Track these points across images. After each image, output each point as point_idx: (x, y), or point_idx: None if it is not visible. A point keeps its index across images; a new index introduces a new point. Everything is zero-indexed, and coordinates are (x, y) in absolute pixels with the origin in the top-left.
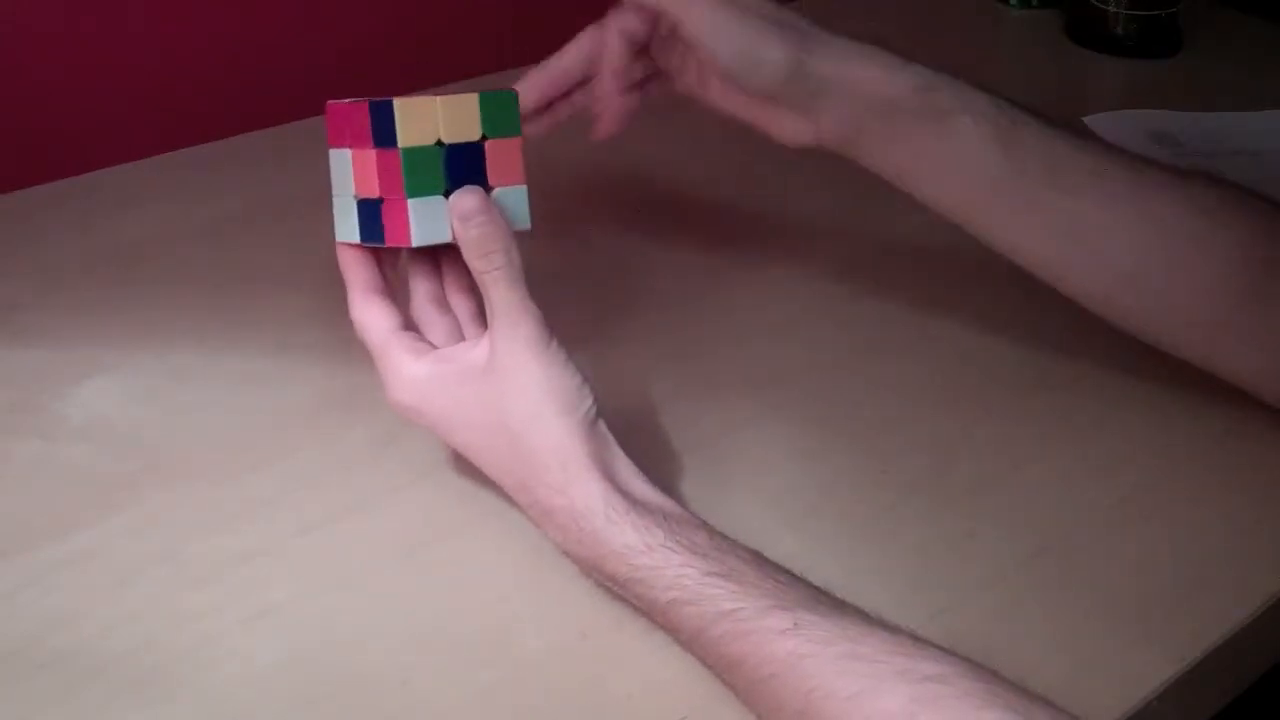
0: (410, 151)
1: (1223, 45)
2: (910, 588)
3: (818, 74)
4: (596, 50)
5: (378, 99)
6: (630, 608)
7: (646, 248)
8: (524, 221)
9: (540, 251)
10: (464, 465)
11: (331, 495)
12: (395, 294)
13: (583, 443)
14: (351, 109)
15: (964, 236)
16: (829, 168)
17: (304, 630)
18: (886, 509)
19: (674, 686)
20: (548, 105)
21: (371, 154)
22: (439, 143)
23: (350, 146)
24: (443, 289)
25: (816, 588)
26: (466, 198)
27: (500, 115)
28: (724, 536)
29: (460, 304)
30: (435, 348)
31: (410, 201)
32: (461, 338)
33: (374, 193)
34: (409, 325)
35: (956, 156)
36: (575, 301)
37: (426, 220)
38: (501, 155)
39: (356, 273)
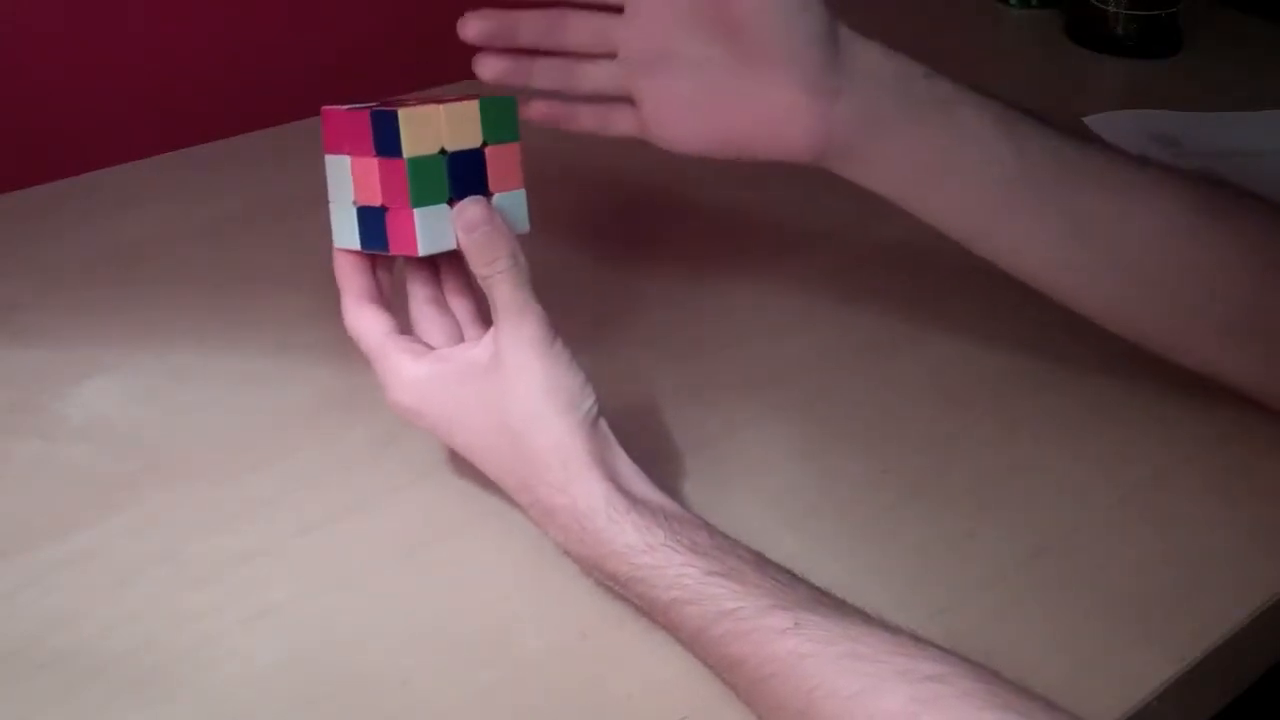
0: (415, 161)
1: (1223, 45)
2: (910, 588)
3: (846, 39)
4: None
5: (379, 108)
6: (631, 607)
7: (646, 248)
8: (523, 225)
9: (539, 253)
10: (464, 465)
11: (331, 495)
12: (390, 301)
13: (584, 442)
14: (351, 117)
15: None
16: None
17: (304, 630)
18: (886, 509)
19: (674, 686)
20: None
21: (373, 162)
22: (442, 151)
23: (350, 154)
24: (441, 291)
25: (817, 588)
26: (471, 209)
27: (500, 121)
28: (725, 536)
29: (459, 305)
30: (433, 349)
31: (416, 211)
32: (461, 339)
33: (376, 200)
34: (404, 330)
35: (966, 153)
36: (574, 302)
37: (432, 229)
38: (501, 160)
39: (351, 280)
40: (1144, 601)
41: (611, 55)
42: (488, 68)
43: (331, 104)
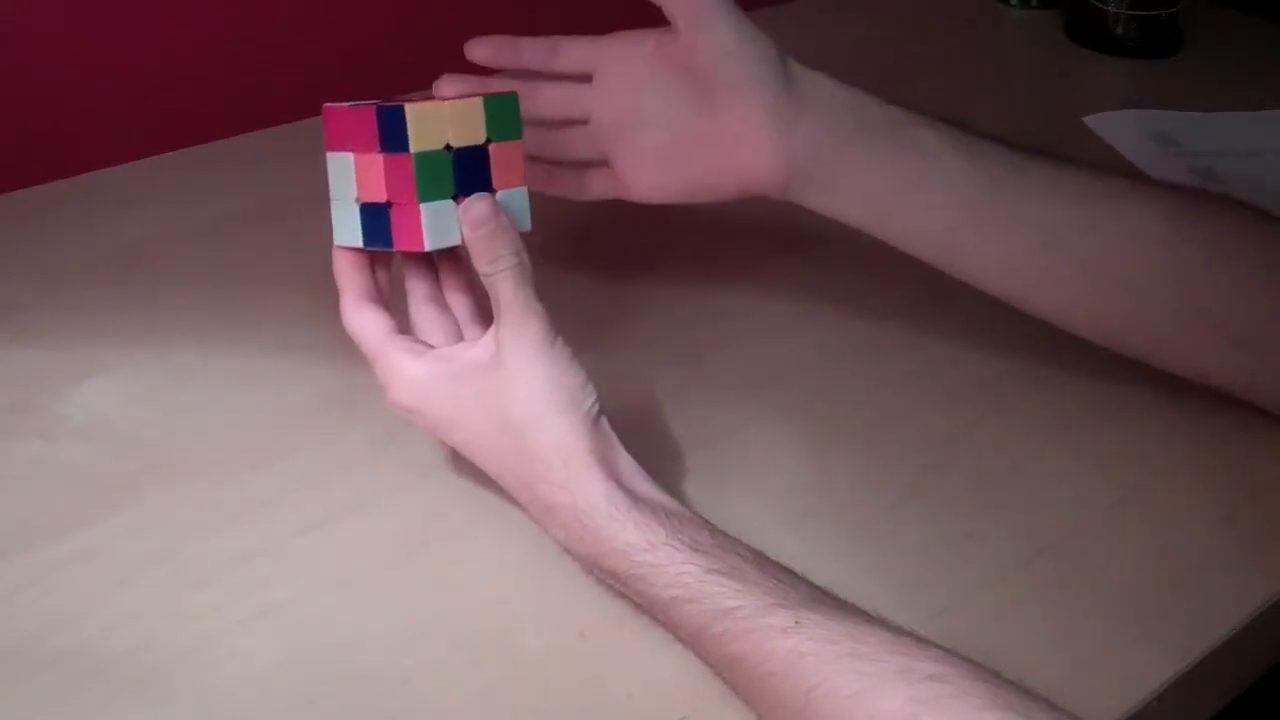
0: (422, 156)
1: (1223, 45)
2: (910, 588)
3: (798, 73)
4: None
5: (384, 103)
6: (630, 606)
7: (646, 248)
8: (524, 223)
9: (539, 252)
10: (463, 465)
11: (331, 495)
12: (388, 301)
13: (585, 440)
14: (355, 113)
15: None
16: None
17: (304, 630)
18: (886, 509)
19: (674, 686)
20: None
21: (378, 158)
22: (448, 147)
23: (352, 150)
24: (439, 290)
25: (818, 587)
26: (477, 205)
27: (503, 118)
28: (726, 535)
29: (459, 304)
30: (432, 348)
31: (422, 206)
32: (460, 338)
33: (380, 197)
34: (402, 330)
35: (929, 171)
36: (573, 302)
37: (438, 224)
38: (504, 158)
39: (350, 279)
40: (1144, 601)
41: (584, 122)
42: None
43: (331, 103)
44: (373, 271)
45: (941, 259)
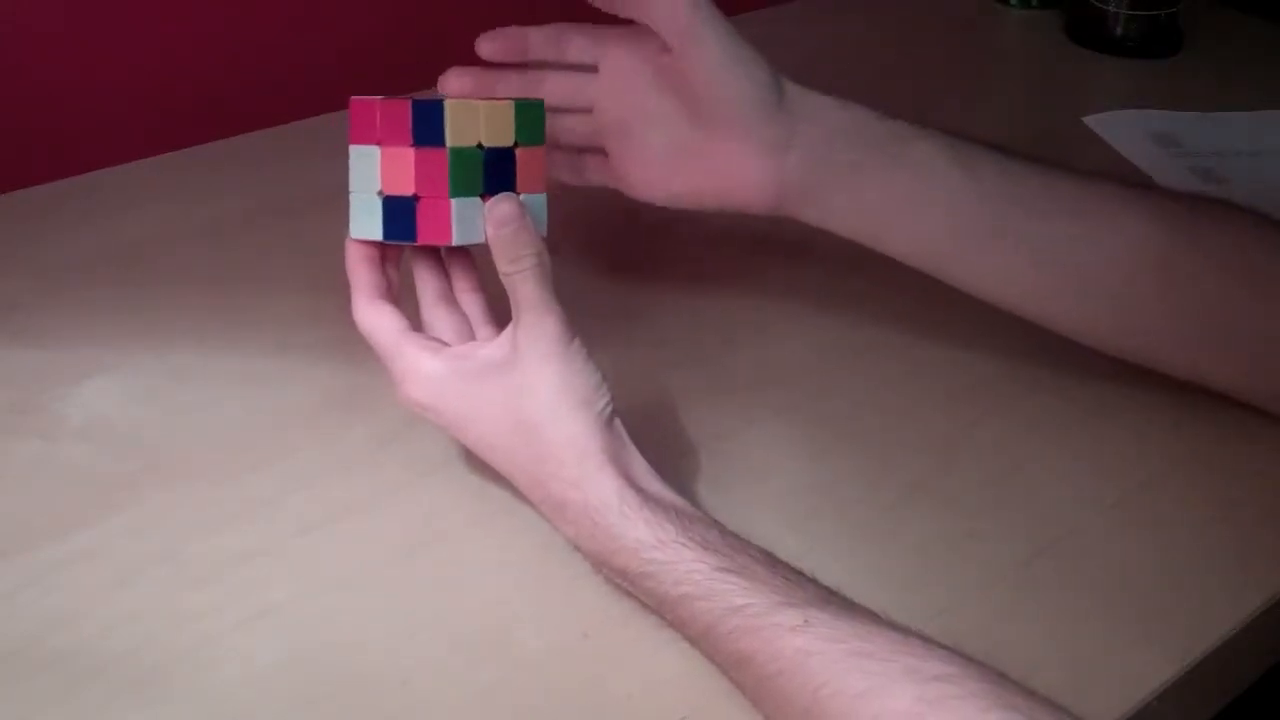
0: (457, 152)
1: (1223, 45)
2: (910, 588)
3: (791, 92)
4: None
5: (421, 98)
6: (632, 607)
7: (652, 251)
8: (541, 229)
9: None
10: (465, 465)
11: (331, 495)
12: (399, 298)
13: (599, 439)
14: (387, 106)
15: None
16: None
17: (304, 630)
18: (886, 509)
19: (675, 686)
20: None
21: (409, 152)
22: (480, 145)
23: (380, 143)
24: (450, 288)
25: (827, 587)
26: (503, 205)
27: (530, 123)
28: (735, 535)
29: (470, 303)
30: (447, 345)
31: (453, 202)
32: (471, 336)
33: (408, 190)
34: (415, 327)
35: (925, 187)
36: (578, 304)
37: (466, 220)
38: (529, 163)
39: (362, 275)
40: (1144, 601)
41: (587, 110)
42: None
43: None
44: (384, 268)
45: (936, 271)
